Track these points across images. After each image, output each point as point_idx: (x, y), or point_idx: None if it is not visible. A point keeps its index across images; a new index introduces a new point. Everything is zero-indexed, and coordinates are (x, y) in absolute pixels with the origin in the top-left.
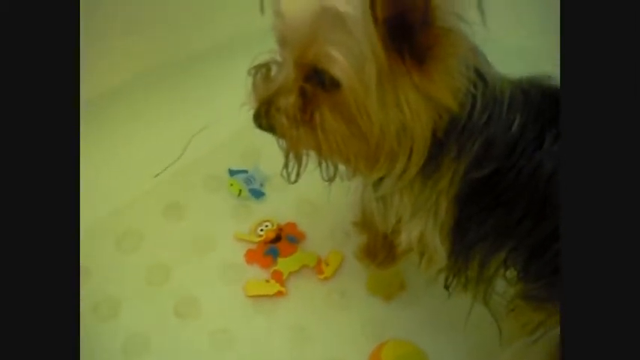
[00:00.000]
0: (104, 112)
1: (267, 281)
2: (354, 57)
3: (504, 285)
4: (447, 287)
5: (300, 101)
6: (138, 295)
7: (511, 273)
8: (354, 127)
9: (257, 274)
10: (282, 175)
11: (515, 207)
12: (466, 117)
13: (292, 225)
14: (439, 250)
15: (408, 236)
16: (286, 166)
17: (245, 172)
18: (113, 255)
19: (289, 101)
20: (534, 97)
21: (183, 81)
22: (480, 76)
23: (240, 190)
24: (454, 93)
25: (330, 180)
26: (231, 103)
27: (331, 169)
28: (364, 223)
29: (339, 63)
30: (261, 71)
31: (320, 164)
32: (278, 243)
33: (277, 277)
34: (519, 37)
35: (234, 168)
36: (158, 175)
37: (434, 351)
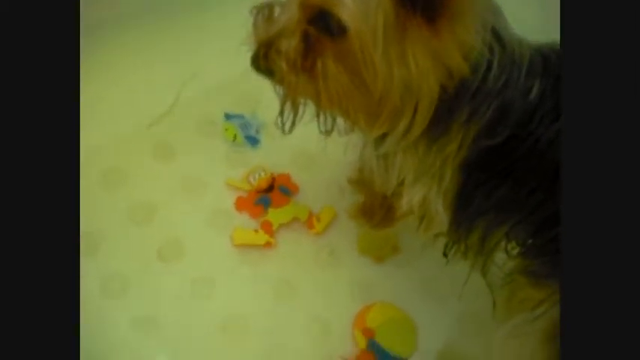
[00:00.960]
0: (101, 44)
1: (256, 231)
2: (363, 3)
3: (504, 258)
4: (445, 254)
5: (302, 46)
6: (119, 234)
7: (512, 246)
8: (357, 79)
9: (246, 222)
10: (276, 123)
11: (527, 179)
12: (480, 79)
13: (286, 176)
14: (440, 214)
15: (409, 200)
16: (281, 114)
17: (241, 117)
18: (97, 191)
19: (291, 45)
20: (554, 64)
21: (182, 21)
22: (498, 38)
23: (235, 136)
24: (466, 54)
25: (328, 133)
26: (231, 45)
27: (329, 121)
28: (361, 181)
29: (347, 7)
30: (263, 11)
31: (318, 115)
32: (270, 193)
33: (267, 227)
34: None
35: (231, 112)
36: (151, 125)
37: (422, 318)
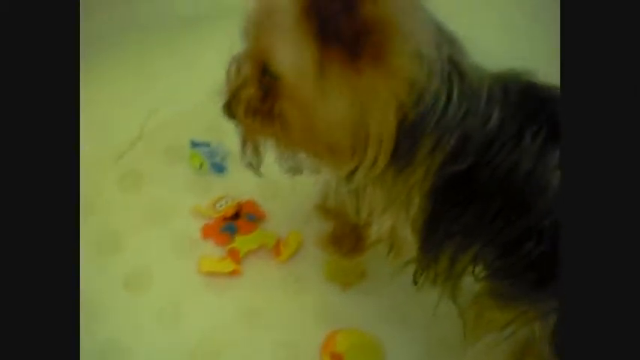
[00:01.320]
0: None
1: (223, 259)
2: (291, 49)
3: (472, 281)
4: (415, 282)
5: (259, 93)
6: (86, 262)
7: (480, 270)
8: (307, 120)
9: (212, 250)
10: (242, 162)
11: (490, 204)
12: (441, 109)
13: (252, 203)
14: (409, 241)
15: (379, 229)
16: (243, 153)
17: (207, 145)
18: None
19: (249, 93)
20: (513, 93)
21: (148, 50)
22: (456, 67)
23: (202, 164)
24: (405, 84)
25: (294, 171)
26: (198, 73)
27: (294, 160)
28: (328, 208)
29: (277, 56)
30: (235, 64)
31: (280, 155)
32: (237, 220)
33: (233, 255)
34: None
35: (197, 140)
36: (120, 157)
37: (390, 343)
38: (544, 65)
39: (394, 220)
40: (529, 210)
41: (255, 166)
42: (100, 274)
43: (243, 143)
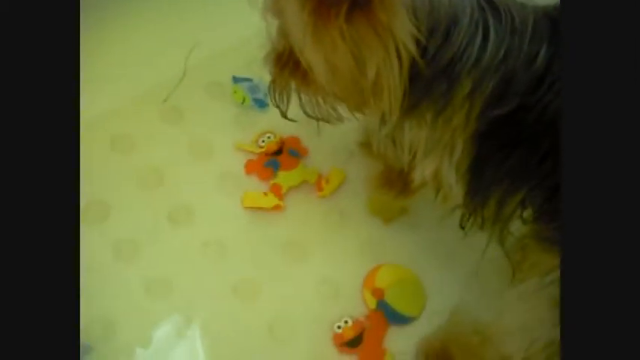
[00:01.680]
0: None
1: (266, 194)
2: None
3: (519, 225)
4: (462, 227)
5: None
6: (129, 199)
7: (528, 213)
8: (316, 71)
9: (255, 186)
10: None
11: (539, 146)
12: (477, 51)
13: (295, 139)
14: (454, 187)
15: (422, 173)
16: (272, 97)
17: (250, 80)
18: (107, 156)
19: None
20: (559, 27)
21: None
22: (493, 7)
23: (244, 99)
24: (403, 30)
25: (316, 118)
26: (239, 9)
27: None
28: (371, 148)
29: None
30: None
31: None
32: (279, 156)
33: (276, 190)
34: None
35: (239, 76)
36: (166, 100)
37: (431, 279)
38: None
39: (438, 163)
40: None
41: (282, 110)
42: (143, 211)
43: (272, 88)
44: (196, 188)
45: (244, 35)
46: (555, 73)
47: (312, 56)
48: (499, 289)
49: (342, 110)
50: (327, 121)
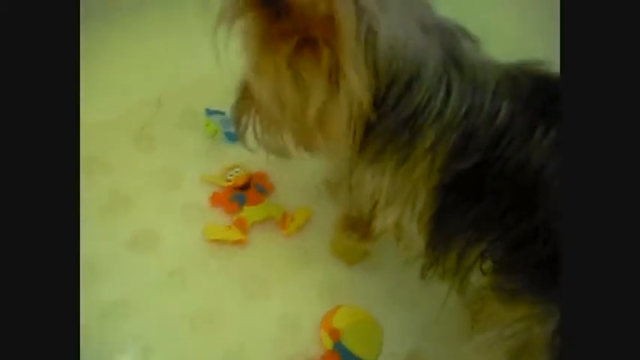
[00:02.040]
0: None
1: (229, 227)
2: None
3: (479, 276)
4: (423, 277)
5: None
6: (94, 221)
7: (487, 264)
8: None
9: (220, 218)
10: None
11: (501, 199)
12: (440, 105)
13: (263, 174)
14: (416, 238)
15: (383, 222)
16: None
17: (223, 113)
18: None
19: None
20: (524, 85)
21: (164, 16)
22: (455, 61)
23: (216, 131)
24: (358, 77)
25: (278, 154)
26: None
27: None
28: (337, 186)
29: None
30: None
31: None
32: (246, 190)
33: (240, 224)
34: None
35: (212, 108)
36: (143, 127)
37: (389, 322)
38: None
39: (399, 213)
40: (538, 207)
41: (243, 141)
42: (107, 234)
43: (234, 115)
44: (161, 216)
45: (218, 68)
46: (516, 129)
47: (257, 83)
48: (457, 337)
49: (290, 146)
50: (277, 155)
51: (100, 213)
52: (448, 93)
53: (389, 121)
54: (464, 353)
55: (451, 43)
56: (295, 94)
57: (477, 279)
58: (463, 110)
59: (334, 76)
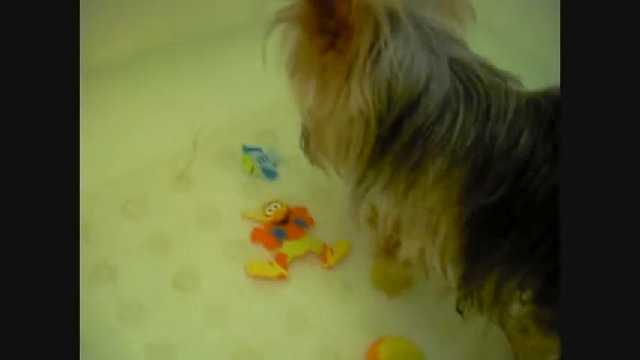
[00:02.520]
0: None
1: (270, 263)
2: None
3: (519, 307)
4: (459, 311)
5: None
6: (137, 262)
7: (527, 295)
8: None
9: (261, 254)
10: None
11: (531, 230)
12: (443, 134)
13: (302, 209)
14: (443, 270)
15: (405, 252)
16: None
17: (259, 150)
18: (116, 220)
19: None
20: (547, 112)
21: (201, 56)
22: (467, 91)
23: (253, 168)
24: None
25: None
26: (254, 79)
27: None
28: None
29: None
30: None
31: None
32: (285, 225)
33: (281, 259)
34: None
35: (249, 145)
36: (181, 175)
37: (433, 354)
38: None
39: (421, 245)
40: None
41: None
42: (149, 275)
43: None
44: (203, 254)
45: (256, 107)
46: (540, 158)
47: (294, 87)
48: None
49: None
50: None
51: (142, 255)
52: (453, 123)
53: (393, 146)
54: None
55: (466, 74)
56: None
57: (518, 310)
58: (470, 141)
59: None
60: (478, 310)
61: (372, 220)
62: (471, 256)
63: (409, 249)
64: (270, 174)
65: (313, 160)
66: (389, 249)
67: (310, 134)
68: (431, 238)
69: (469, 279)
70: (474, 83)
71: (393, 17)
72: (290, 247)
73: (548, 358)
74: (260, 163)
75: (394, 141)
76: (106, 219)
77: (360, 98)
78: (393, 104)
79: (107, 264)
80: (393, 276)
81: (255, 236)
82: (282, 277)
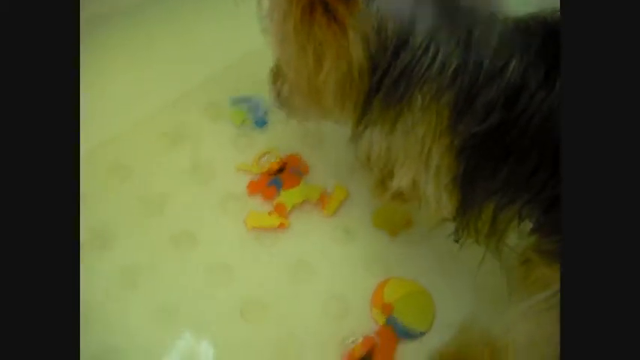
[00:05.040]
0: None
1: (270, 213)
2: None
3: (517, 237)
4: (456, 240)
5: None
6: (132, 226)
7: (525, 225)
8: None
9: (258, 206)
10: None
11: (528, 157)
12: (426, 66)
13: (296, 157)
14: (437, 200)
15: (398, 182)
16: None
17: (249, 99)
18: (106, 186)
19: None
20: (536, 36)
21: (180, 10)
22: (448, 26)
23: (244, 120)
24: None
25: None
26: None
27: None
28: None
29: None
30: None
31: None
32: (281, 174)
33: (280, 209)
34: None
35: (237, 96)
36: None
37: (439, 292)
38: None
39: (413, 174)
40: None
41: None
42: (146, 238)
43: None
44: (200, 211)
45: (239, 54)
46: (531, 84)
47: (278, 50)
48: (507, 302)
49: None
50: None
51: (137, 218)
52: (435, 54)
53: (383, 86)
54: (512, 320)
55: (446, 9)
56: (309, 58)
57: (519, 242)
58: (451, 69)
59: (340, 39)
60: (475, 241)
61: (369, 157)
62: (466, 185)
63: (402, 179)
64: (261, 123)
65: (290, 113)
66: (383, 180)
67: (295, 93)
68: (424, 167)
69: (466, 208)
70: (456, 9)
71: None
72: (288, 196)
73: (552, 287)
74: (251, 113)
75: (385, 79)
76: (96, 185)
77: (359, 49)
78: (385, 48)
79: (103, 228)
80: (393, 215)
81: (252, 188)
82: (282, 226)
